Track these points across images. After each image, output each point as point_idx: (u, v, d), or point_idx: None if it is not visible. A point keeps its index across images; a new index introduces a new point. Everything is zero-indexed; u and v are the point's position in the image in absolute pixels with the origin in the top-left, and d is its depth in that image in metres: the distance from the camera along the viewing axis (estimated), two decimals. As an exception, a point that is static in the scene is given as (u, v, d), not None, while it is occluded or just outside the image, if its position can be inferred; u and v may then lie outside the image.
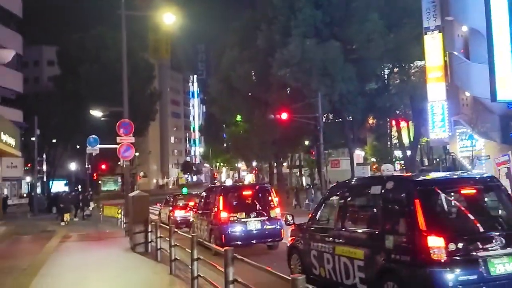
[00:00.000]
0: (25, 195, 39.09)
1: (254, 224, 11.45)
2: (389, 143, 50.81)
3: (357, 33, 30.40)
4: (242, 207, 11.63)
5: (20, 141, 19.32)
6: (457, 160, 24.06)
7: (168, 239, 9.61)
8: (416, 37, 28.97)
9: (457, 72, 22.97)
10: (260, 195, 12.12)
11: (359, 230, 6.08)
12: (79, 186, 56.31)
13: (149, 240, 12.19)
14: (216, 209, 11.82)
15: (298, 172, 66.29)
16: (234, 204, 11.81)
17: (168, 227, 10.97)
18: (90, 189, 34.56)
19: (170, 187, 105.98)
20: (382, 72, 33.71)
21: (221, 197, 11.66)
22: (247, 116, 38.43)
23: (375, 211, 5.88)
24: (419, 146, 45.76)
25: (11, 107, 39.19)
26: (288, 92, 33.84)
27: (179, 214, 18.55)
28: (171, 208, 19.62)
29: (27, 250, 13.49)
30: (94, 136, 16.62)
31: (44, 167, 41.55)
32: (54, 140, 57.30)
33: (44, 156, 46.60)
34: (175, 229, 9.51)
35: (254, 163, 76.45)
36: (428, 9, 25.95)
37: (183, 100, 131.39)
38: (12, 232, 18.43)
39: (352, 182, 7.40)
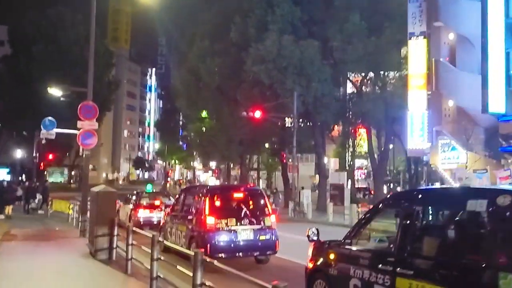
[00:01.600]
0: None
1: (245, 234, 9.58)
2: (350, 151, 50.08)
3: (336, 34, 29.15)
4: (232, 213, 9.72)
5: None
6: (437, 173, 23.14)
7: (145, 248, 7.65)
8: (396, 44, 28.11)
9: (443, 81, 22.06)
10: (252, 199, 10.27)
11: (444, 260, 4.38)
12: (23, 176, 52.33)
13: (114, 246, 10.11)
14: (199, 213, 9.87)
15: (255, 175, 64.82)
16: (222, 208, 9.90)
17: (142, 232, 9.00)
18: (36, 180, 31.45)
19: (120, 182, 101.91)
20: (359, 77, 32.66)
21: (207, 199, 9.71)
22: (214, 112, 36.45)
23: (474, 235, 4.23)
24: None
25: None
26: (260, 90, 32.13)
27: (142, 214, 16.37)
28: (132, 206, 17.41)
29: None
30: (50, 118, 14.21)
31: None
32: (-2, 125, 53.22)
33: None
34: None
35: (213, 163, 74.37)
36: (414, 13, 25.05)
37: (139, 93, 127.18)
38: None
39: (427, 192, 5.65)
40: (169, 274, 7.43)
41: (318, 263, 6.14)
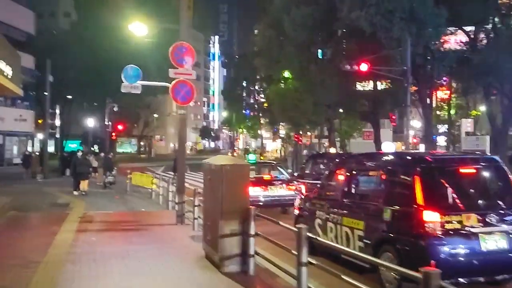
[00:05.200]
0: (27, 153, 33.24)
1: (493, 240, 5.36)
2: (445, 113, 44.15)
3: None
4: (466, 203, 5.50)
5: (20, 75, 13.38)
6: None
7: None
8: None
9: None
10: (490, 177, 5.98)
11: None
12: (95, 146, 50.88)
13: (252, 253, 6.28)
14: (401, 202, 5.73)
15: (327, 142, 60.24)
16: (447, 195, 5.62)
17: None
18: (110, 151, 28.81)
19: (188, 152, 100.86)
20: (486, 20, 26.84)
21: (417, 178, 5.57)
22: (299, 71, 32.04)
23: None
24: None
25: (21, 51, 33.27)
26: (357, 41, 27.29)
27: (253, 192, 12.40)
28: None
29: (17, 254, 7.57)
30: (134, 66, 10.55)
31: (58, 122, 35.84)
32: (69, 96, 51.87)
33: (58, 111, 40.94)
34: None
35: (283, 131, 70.27)
36: None
37: (203, 61, 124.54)
38: (8, 206, 12.71)
39: None
40: None
41: None
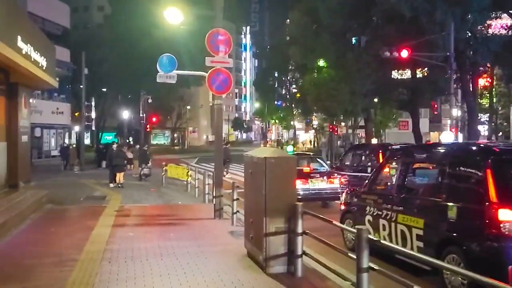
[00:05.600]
0: (64, 145, 33.87)
1: None
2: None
3: None
4: None
5: (55, 66, 13.23)
6: None
7: None
8: None
9: None
10: None
11: None
12: (130, 138, 51.40)
13: (299, 253, 5.79)
14: (471, 199, 5.11)
15: (361, 133, 58.72)
16: None
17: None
18: (146, 143, 28.81)
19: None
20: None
21: (490, 172, 4.91)
22: (335, 60, 31.15)
23: None
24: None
25: (57, 45, 33.65)
26: (396, 28, 26.30)
27: (299, 186, 11.59)
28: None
29: (54, 252, 7.30)
30: (169, 55, 10.15)
31: (93, 114, 36.21)
32: (104, 89, 52.49)
33: (93, 103, 41.42)
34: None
35: (315, 122, 69.16)
36: None
37: (235, 52, 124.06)
38: (45, 199, 12.64)
39: None
40: None
41: None
